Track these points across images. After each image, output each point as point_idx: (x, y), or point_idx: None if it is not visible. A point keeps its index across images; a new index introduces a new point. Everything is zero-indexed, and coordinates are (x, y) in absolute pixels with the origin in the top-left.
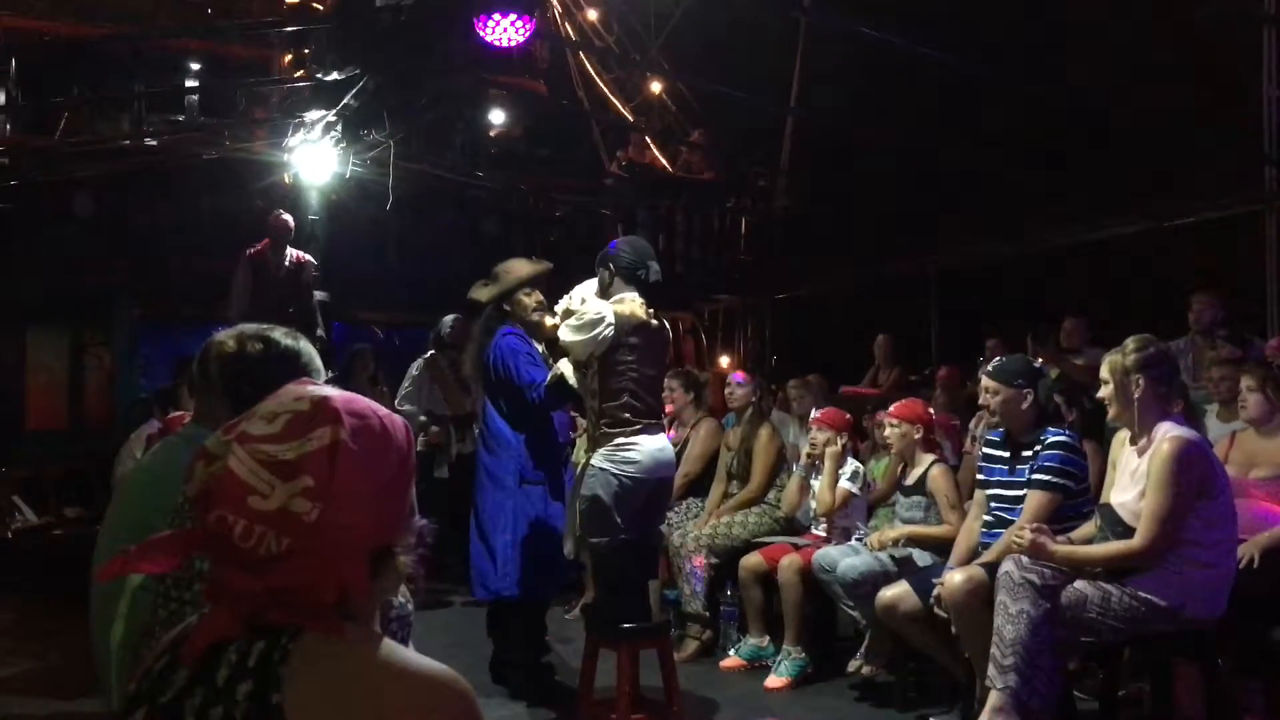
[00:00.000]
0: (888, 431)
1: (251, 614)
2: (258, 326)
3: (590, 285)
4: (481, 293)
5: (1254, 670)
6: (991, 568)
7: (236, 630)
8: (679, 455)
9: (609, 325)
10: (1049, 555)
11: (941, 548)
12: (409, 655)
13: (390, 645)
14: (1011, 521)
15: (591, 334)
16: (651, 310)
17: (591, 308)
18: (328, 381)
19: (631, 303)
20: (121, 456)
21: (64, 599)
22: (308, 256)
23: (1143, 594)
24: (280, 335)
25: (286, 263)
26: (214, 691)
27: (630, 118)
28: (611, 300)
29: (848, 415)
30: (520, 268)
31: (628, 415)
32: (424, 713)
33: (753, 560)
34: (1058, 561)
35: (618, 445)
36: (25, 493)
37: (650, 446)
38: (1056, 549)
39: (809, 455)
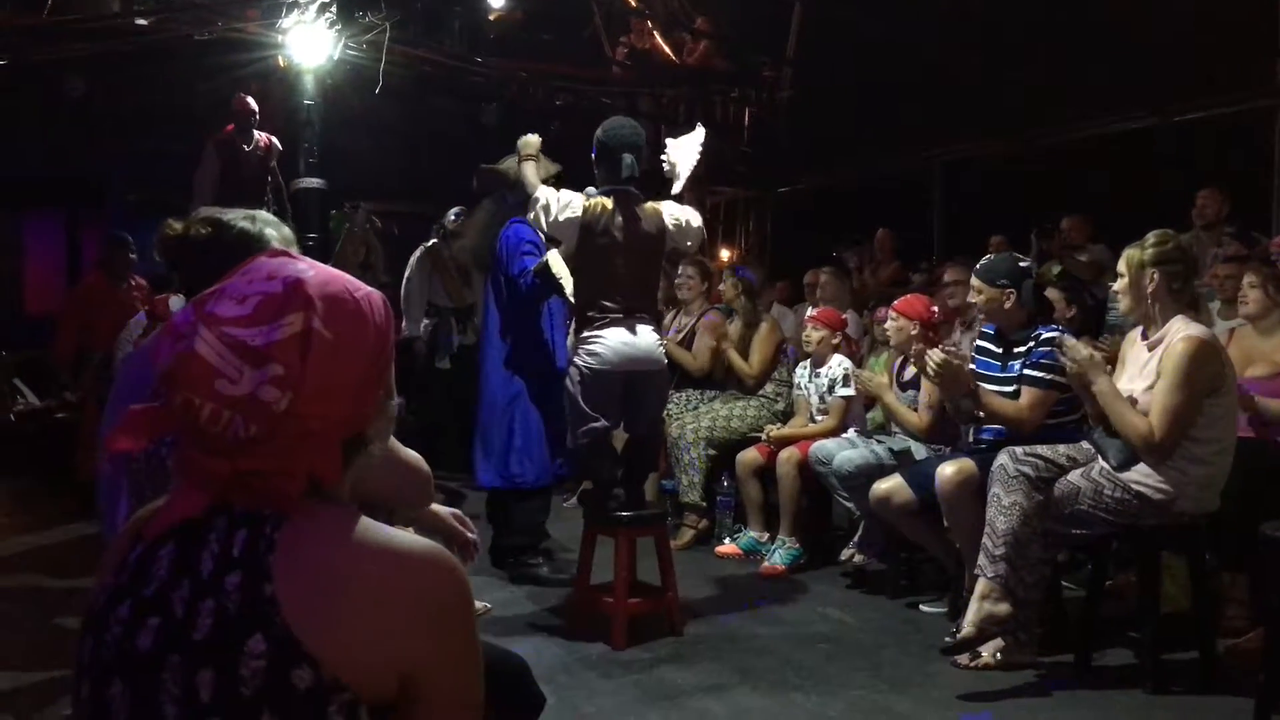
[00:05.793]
0: (888, 325)
1: (219, 495)
2: (212, 209)
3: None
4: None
5: (1239, 564)
6: (983, 460)
7: (202, 508)
8: (685, 343)
9: (574, 212)
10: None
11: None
12: (394, 534)
13: (374, 526)
14: None
15: (549, 217)
16: (638, 213)
17: (566, 195)
18: None
19: (603, 200)
20: (121, 340)
21: (66, 480)
22: (273, 139)
23: (1135, 487)
24: (235, 218)
25: (253, 148)
26: (201, 583)
27: (633, 3)
28: (588, 195)
29: (843, 315)
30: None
31: (603, 302)
32: (415, 591)
33: (749, 455)
34: (1083, 373)
35: (584, 338)
36: (26, 376)
37: (615, 339)
38: (1093, 369)
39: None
